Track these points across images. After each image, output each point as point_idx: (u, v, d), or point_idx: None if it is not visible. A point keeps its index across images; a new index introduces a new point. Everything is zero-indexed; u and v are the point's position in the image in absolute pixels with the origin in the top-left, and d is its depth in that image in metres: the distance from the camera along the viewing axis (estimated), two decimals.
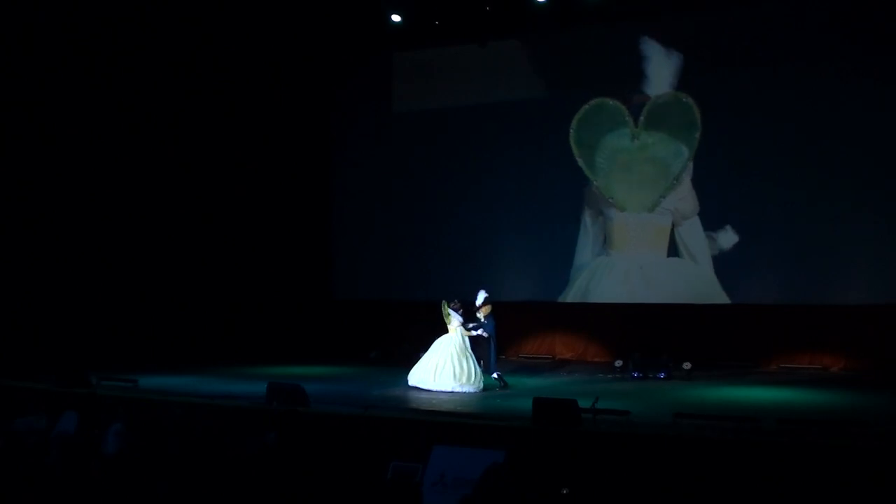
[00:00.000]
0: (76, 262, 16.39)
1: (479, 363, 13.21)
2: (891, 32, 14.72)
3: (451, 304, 13.56)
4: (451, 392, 12.87)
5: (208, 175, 18.12)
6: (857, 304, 14.96)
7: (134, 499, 6.69)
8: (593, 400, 10.02)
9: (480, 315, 13.45)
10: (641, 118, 16.59)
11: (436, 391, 12.93)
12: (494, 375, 13.41)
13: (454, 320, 13.42)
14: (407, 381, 13.34)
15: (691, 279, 16.30)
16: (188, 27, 17.01)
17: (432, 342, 13.61)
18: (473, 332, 13.43)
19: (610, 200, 16.93)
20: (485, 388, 13.16)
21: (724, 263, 15.97)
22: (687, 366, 15.15)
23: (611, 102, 16.97)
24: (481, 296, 13.63)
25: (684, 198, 16.38)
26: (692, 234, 16.32)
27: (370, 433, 10.03)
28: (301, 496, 6.97)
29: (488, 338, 13.36)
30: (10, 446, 8.66)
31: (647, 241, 16.66)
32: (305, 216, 19.23)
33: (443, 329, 13.63)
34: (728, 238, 15.91)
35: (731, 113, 15.95)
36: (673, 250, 16.44)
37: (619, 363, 15.65)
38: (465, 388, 12.97)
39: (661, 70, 16.46)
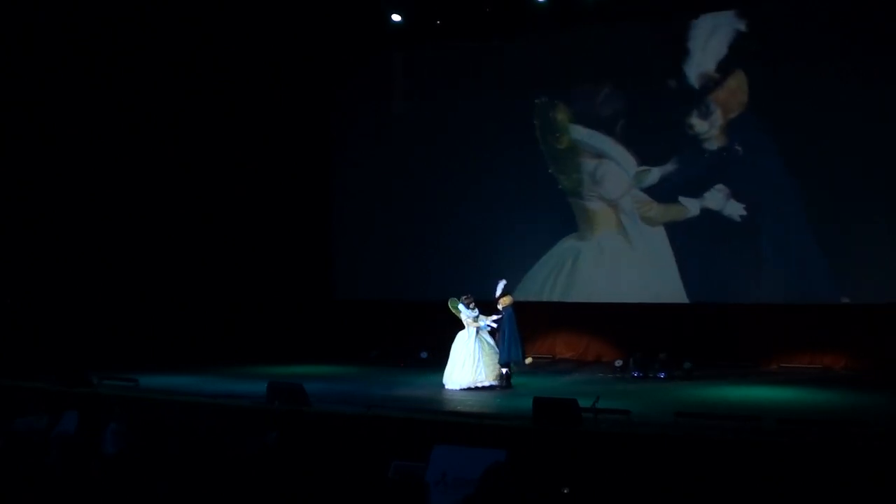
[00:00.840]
0: (76, 262, 16.39)
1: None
2: (886, 32, 14.73)
3: (464, 299, 13.63)
4: (479, 387, 13.11)
5: (208, 175, 18.12)
6: (858, 304, 14.96)
7: (134, 499, 6.69)
8: (594, 399, 10.03)
9: (501, 306, 13.42)
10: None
11: (471, 386, 13.11)
12: (504, 371, 13.40)
13: (465, 315, 13.48)
14: (444, 385, 13.40)
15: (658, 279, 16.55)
16: (188, 27, 16.99)
17: (433, 342, 13.65)
18: (493, 323, 13.51)
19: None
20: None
21: (721, 263, 15.97)
22: (687, 365, 15.16)
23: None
24: (500, 286, 13.60)
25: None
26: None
27: (371, 432, 10.04)
28: (302, 496, 6.97)
29: (504, 330, 13.30)
30: (10, 446, 8.66)
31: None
32: (305, 216, 19.22)
33: (444, 328, 13.67)
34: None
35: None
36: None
37: (619, 363, 15.65)
38: (493, 383, 13.25)
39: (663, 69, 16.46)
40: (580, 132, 17.31)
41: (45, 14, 15.66)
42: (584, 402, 9.89)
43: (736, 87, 15.97)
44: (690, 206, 16.37)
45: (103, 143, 16.74)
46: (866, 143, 14.90)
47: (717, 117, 16.08)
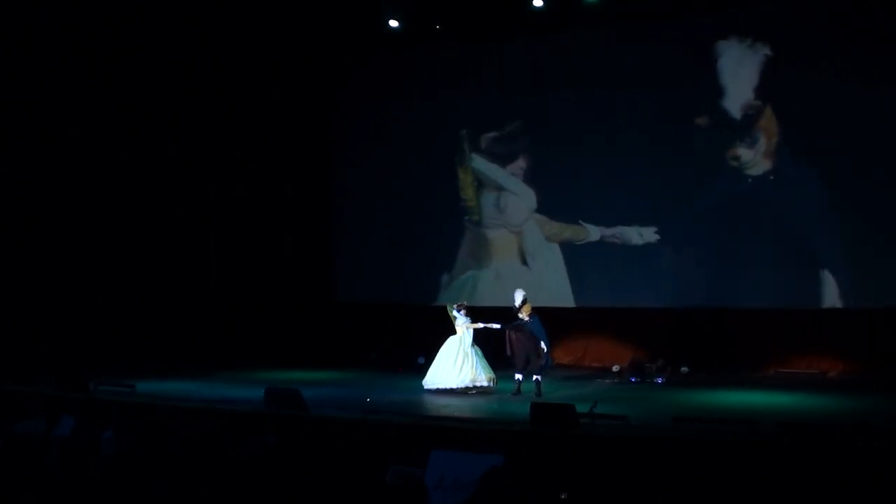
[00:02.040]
0: (75, 266, 16.40)
1: (527, 363, 13.18)
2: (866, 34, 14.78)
3: (457, 305, 13.70)
4: (471, 387, 13.16)
5: (207, 176, 18.15)
6: (854, 308, 14.97)
7: (130, 500, 6.70)
8: (591, 404, 10.03)
9: (523, 315, 13.27)
10: None
11: (456, 388, 13.15)
12: (518, 377, 13.28)
13: (460, 321, 13.52)
14: (423, 386, 13.45)
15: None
16: (186, 28, 17.01)
17: (432, 344, 13.69)
18: (480, 325, 13.54)
19: None
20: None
21: (715, 265, 16.01)
22: (684, 370, 15.19)
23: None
24: (519, 295, 13.50)
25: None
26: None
27: (369, 437, 10.04)
28: (301, 501, 6.98)
29: (535, 337, 13.19)
30: (10, 449, 8.67)
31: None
32: (305, 217, 19.20)
33: (444, 331, 13.70)
34: None
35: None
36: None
37: (617, 368, 15.65)
38: (489, 384, 13.29)
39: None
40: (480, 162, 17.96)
41: (45, 14, 15.68)
42: (581, 407, 9.89)
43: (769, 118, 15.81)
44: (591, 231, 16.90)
45: (102, 146, 16.78)
46: (860, 146, 14.91)
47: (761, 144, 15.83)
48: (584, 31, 16.93)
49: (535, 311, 13.36)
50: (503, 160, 17.87)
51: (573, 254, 17.26)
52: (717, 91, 15.98)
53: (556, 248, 17.35)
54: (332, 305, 19.13)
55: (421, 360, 15.46)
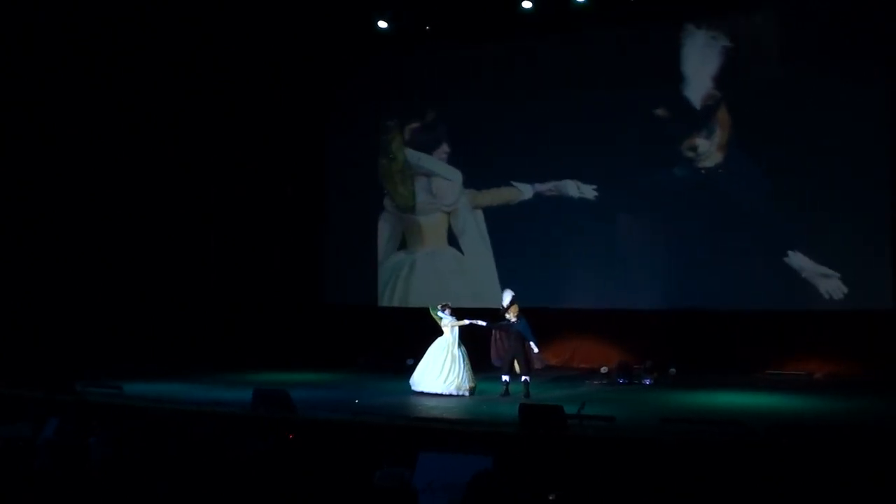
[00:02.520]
0: (61, 270, 16.32)
1: (514, 364, 13.19)
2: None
3: (441, 306, 13.70)
4: (456, 395, 13.10)
5: (196, 179, 18.08)
6: (841, 310, 15.03)
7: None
8: (579, 406, 10.04)
9: (510, 315, 13.27)
10: None
11: (444, 393, 13.10)
12: (505, 378, 13.32)
13: (445, 321, 13.52)
14: (410, 387, 13.46)
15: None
16: (186, 28, 17.03)
17: (419, 347, 13.67)
18: (466, 322, 13.53)
19: None
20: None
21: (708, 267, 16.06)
22: (672, 371, 15.22)
23: None
24: (507, 296, 13.50)
25: None
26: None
27: (357, 439, 10.03)
28: (287, 503, 6.96)
29: (522, 338, 13.21)
30: None
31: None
32: (295, 219, 19.16)
33: (431, 333, 13.69)
34: None
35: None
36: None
37: (605, 369, 15.68)
38: (464, 393, 13.22)
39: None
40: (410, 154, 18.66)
41: (44, 14, 15.66)
42: (569, 409, 9.90)
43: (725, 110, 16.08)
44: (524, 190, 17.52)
45: (92, 150, 16.72)
46: (842, 150, 15.00)
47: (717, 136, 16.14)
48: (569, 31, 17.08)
49: (522, 312, 13.37)
50: (428, 147, 18.52)
51: (496, 224, 17.90)
52: (679, 79, 16.26)
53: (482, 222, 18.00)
54: (320, 307, 19.11)
55: (410, 362, 15.45)
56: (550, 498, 7.53)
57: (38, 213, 16.17)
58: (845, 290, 15.08)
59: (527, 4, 16.39)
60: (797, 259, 15.35)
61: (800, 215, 15.36)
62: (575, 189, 17.08)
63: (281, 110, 18.82)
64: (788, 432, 9.26)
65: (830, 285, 15.18)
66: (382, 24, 17.46)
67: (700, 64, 16.08)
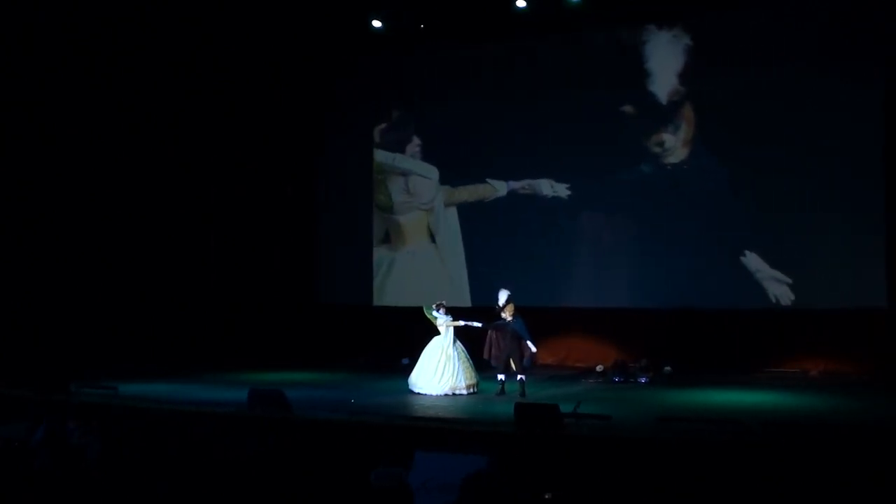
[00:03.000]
0: (56, 269, 16.29)
1: (510, 363, 13.21)
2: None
3: (436, 305, 13.69)
4: (454, 395, 13.07)
5: (189, 179, 18.05)
6: (837, 309, 15.05)
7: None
8: (575, 405, 10.04)
9: (506, 315, 13.27)
10: None
11: (439, 394, 13.07)
12: (501, 378, 13.33)
13: (440, 320, 13.51)
14: (408, 387, 13.43)
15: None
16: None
17: (415, 346, 13.67)
18: (461, 323, 13.51)
19: None
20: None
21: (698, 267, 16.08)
22: (668, 370, 15.22)
23: None
24: (503, 295, 13.46)
25: None
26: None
27: (353, 439, 10.02)
28: (283, 503, 6.95)
29: (519, 337, 13.22)
30: None
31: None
32: (289, 218, 19.14)
33: (427, 332, 13.69)
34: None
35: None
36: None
37: (600, 368, 15.68)
38: (469, 391, 13.24)
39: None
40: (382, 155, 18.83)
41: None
42: (565, 408, 9.90)
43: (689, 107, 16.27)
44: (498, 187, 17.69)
45: (85, 148, 16.68)
46: (837, 148, 15.04)
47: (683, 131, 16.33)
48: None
49: (518, 311, 13.37)
50: (400, 145, 18.62)
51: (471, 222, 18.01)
52: (645, 74, 16.45)
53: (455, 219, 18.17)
54: (315, 307, 19.09)
55: (405, 361, 15.46)
56: (546, 497, 7.53)
57: (36, 213, 16.15)
58: (792, 297, 15.34)
59: (521, 3, 16.41)
60: (752, 260, 15.59)
61: (784, 215, 15.49)
62: (549, 188, 17.25)
63: (273, 110, 18.79)
64: (784, 430, 9.27)
65: (779, 290, 15.41)
66: (377, 24, 17.46)
67: (664, 61, 16.29)
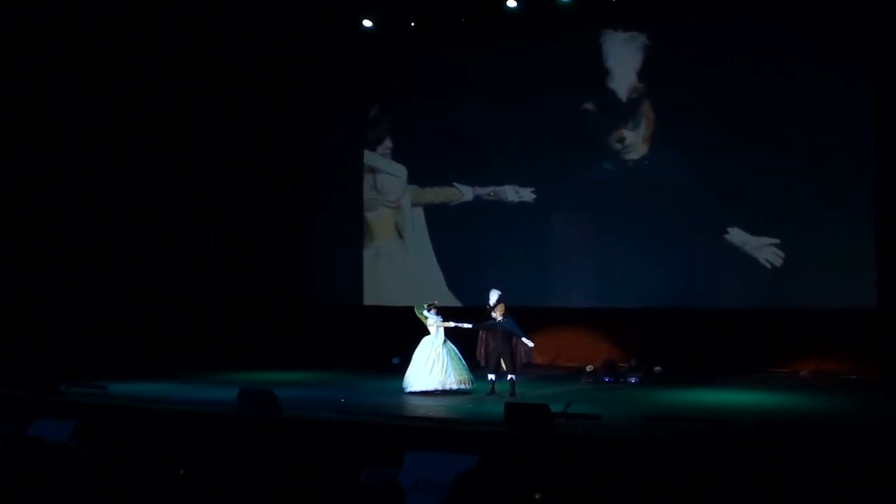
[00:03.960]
0: (45, 268, 16.26)
1: (500, 363, 13.21)
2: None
3: (427, 305, 13.69)
4: (446, 390, 13.11)
5: (179, 178, 18.01)
6: (827, 309, 15.10)
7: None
8: (565, 404, 10.05)
9: (496, 315, 13.27)
10: None
11: (429, 389, 13.10)
12: (491, 377, 13.34)
13: (431, 320, 13.52)
14: (402, 388, 13.43)
15: None
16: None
17: (405, 346, 13.67)
18: (451, 324, 13.52)
19: None
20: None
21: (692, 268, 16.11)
22: (658, 370, 15.25)
23: None
24: (494, 295, 13.47)
25: None
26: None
27: (343, 438, 10.02)
28: (273, 502, 6.94)
29: (511, 336, 13.23)
30: None
31: None
32: (279, 218, 19.11)
33: (417, 333, 13.70)
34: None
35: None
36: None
37: (590, 368, 15.69)
38: (460, 387, 13.24)
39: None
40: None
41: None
42: (555, 408, 9.91)
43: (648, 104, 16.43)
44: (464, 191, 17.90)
45: (76, 148, 16.66)
46: (829, 148, 15.09)
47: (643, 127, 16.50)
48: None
49: (509, 311, 13.39)
50: (371, 144, 18.81)
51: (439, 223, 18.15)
52: (605, 73, 16.64)
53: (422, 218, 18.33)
54: (306, 306, 19.07)
55: (396, 361, 15.46)
56: (536, 496, 7.54)
57: (32, 213, 16.15)
58: (782, 255, 15.37)
59: (510, 5, 16.44)
60: (737, 235, 15.63)
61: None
62: (514, 194, 17.40)
63: (263, 110, 18.78)
64: (774, 430, 9.30)
65: (768, 253, 15.45)
66: (367, 23, 17.47)
67: (622, 60, 16.49)
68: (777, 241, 15.44)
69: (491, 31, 17.22)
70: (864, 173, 14.88)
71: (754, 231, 15.64)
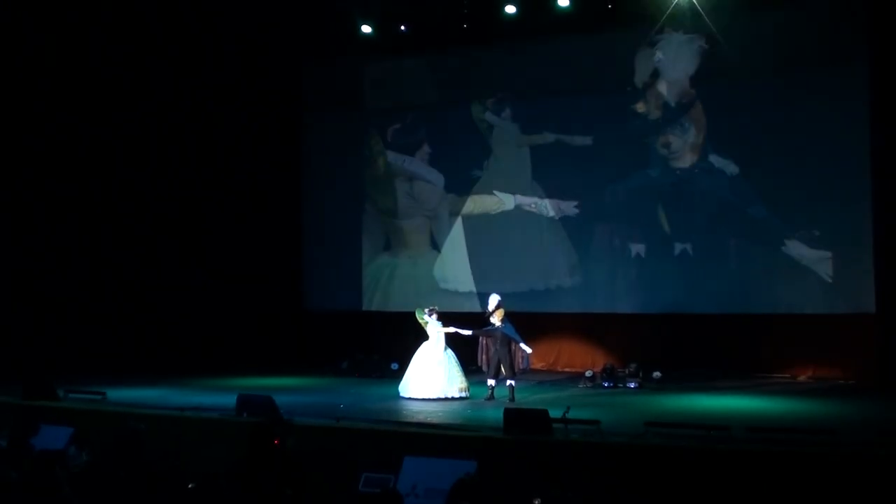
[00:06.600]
0: (42, 274, 16.25)
1: (499, 368, 13.19)
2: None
3: (428, 310, 13.68)
4: (446, 399, 13.08)
5: (176, 183, 17.99)
6: (825, 314, 15.10)
7: None
8: (564, 410, 10.04)
9: (495, 319, 13.28)
10: None
11: (430, 398, 13.06)
12: (491, 383, 13.32)
13: (431, 325, 13.51)
14: (399, 393, 13.41)
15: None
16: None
17: (403, 352, 13.65)
18: (451, 330, 13.51)
19: None
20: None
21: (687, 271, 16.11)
22: (657, 375, 15.23)
23: None
24: (493, 300, 13.50)
25: None
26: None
27: (342, 444, 10.00)
28: None
29: (510, 341, 13.23)
30: None
31: None
32: (276, 224, 19.08)
33: (415, 338, 13.68)
34: None
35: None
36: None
37: (589, 373, 15.68)
38: (460, 395, 13.23)
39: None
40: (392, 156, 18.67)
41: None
42: (554, 413, 9.90)
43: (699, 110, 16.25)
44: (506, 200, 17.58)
45: (71, 149, 16.66)
46: (823, 154, 15.10)
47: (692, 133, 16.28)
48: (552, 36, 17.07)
49: (508, 316, 13.38)
50: (410, 149, 18.53)
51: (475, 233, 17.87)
52: (655, 76, 16.43)
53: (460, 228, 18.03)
54: (304, 312, 19.05)
55: (394, 366, 15.45)
56: (535, 502, 7.53)
57: (27, 214, 16.15)
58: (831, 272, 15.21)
59: (510, 9, 16.45)
60: (796, 247, 15.38)
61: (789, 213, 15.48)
62: (556, 209, 17.15)
63: (263, 115, 18.78)
64: (772, 436, 9.29)
65: (825, 267, 15.22)
66: (366, 29, 17.50)
67: (674, 63, 16.25)
68: (830, 254, 15.22)
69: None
70: (861, 179, 14.87)
71: (756, 240, 15.61)
